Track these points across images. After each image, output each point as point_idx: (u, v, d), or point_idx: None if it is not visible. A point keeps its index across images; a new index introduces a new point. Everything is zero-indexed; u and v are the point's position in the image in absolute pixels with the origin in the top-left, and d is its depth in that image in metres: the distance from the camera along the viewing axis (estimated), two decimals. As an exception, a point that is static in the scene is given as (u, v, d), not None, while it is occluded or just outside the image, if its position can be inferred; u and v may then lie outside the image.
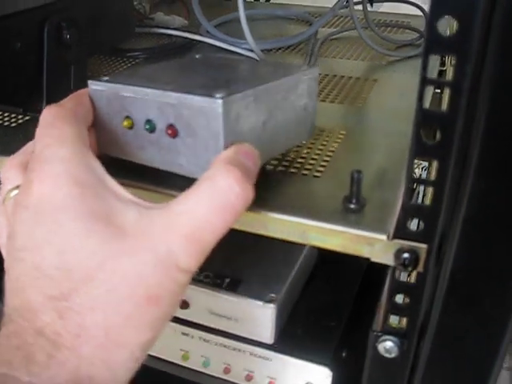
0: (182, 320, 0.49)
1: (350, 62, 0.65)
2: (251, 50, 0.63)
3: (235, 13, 0.77)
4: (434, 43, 0.29)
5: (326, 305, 0.49)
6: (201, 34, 0.69)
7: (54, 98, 0.50)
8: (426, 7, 0.77)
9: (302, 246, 0.48)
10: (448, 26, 0.30)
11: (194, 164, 0.35)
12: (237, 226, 0.37)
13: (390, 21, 0.80)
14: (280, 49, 0.69)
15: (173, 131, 0.35)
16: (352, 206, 0.36)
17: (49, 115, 0.33)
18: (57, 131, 0.32)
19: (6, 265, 0.30)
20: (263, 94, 0.36)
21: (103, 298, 0.27)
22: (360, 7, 0.62)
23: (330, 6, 0.69)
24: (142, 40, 0.72)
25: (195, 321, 0.48)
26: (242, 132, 0.35)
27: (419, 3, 0.76)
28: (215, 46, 0.67)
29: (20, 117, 0.51)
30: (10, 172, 0.35)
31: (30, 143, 0.37)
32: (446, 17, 0.29)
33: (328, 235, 0.35)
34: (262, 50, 0.65)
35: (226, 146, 0.33)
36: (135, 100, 0.36)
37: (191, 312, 0.47)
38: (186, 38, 0.68)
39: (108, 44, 0.61)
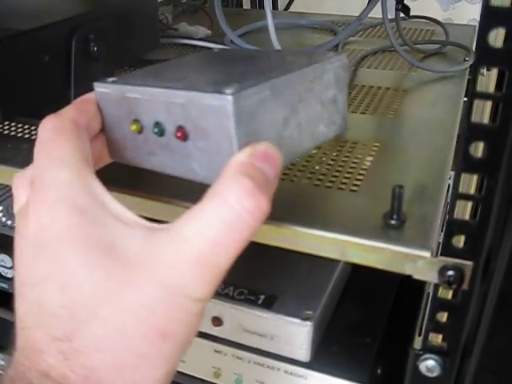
0: (215, 337, 0.48)
1: (377, 72, 0.64)
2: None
3: (258, 22, 0.77)
4: (484, 55, 0.28)
5: (360, 320, 0.48)
6: (225, 44, 0.68)
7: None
8: (451, 13, 0.75)
9: (337, 260, 0.47)
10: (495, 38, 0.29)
11: (208, 169, 0.32)
12: (275, 243, 0.37)
13: (414, 29, 0.80)
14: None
15: (182, 134, 0.32)
16: (393, 222, 0.35)
17: (47, 129, 0.31)
18: (55, 150, 0.29)
19: (15, 300, 0.29)
20: (282, 87, 0.32)
21: (111, 337, 0.25)
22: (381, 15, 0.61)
23: (352, 14, 0.68)
24: (166, 50, 0.71)
25: (228, 338, 0.47)
26: (260, 131, 0.31)
27: (440, 12, 0.76)
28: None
29: (47, 130, 0.50)
30: (19, 189, 0.32)
31: None
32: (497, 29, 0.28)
33: (369, 252, 0.35)
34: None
35: (241, 148, 0.30)
36: (142, 101, 0.33)
37: (224, 329, 0.46)
38: (211, 48, 0.68)
39: (134, 56, 0.60)
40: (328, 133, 0.37)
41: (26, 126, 0.51)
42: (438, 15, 0.98)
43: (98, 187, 0.29)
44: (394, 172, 0.42)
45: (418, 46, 0.68)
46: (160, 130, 0.33)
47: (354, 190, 0.39)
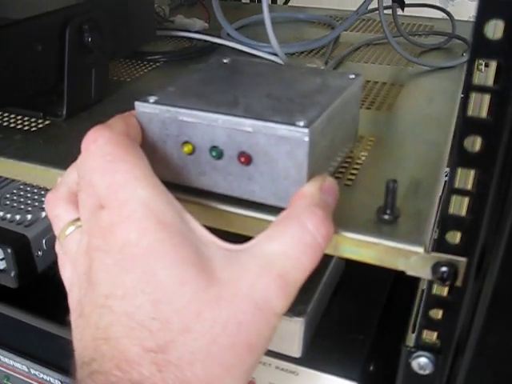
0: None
1: (375, 67, 0.63)
2: (274, 54, 0.62)
3: (255, 16, 0.77)
4: (480, 48, 0.28)
5: (353, 316, 0.48)
6: (222, 37, 0.68)
7: (75, 101, 0.50)
8: (451, 10, 0.75)
9: (330, 254, 0.46)
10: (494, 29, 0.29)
11: (269, 191, 0.34)
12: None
13: (413, 24, 0.79)
14: (303, 52, 0.68)
15: (246, 159, 0.34)
16: (386, 217, 0.35)
17: (103, 143, 0.30)
18: (123, 166, 0.29)
19: (82, 309, 0.29)
20: (333, 115, 0.35)
21: (203, 350, 0.26)
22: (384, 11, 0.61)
23: (352, 8, 0.68)
24: (162, 43, 0.71)
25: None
26: (319, 156, 0.34)
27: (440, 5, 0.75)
28: (237, 50, 0.66)
29: (40, 121, 0.50)
30: (58, 208, 0.34)
31: (68, 172, 0.36)
32: (494, 20, 0.27)
33: (362, 247, 0.34)
34: (285, 54, 0.64)
35: (309, 175, 0.33)
36: (199, 126, 0.34)
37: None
38: (207, 41, 0.67)
39: (130, 47, 0.59)
40: (349, 146, 0.41)
41: (19, 117, 0.51)
42: (438, 11, 0.98)
43: (177, 204, 0.30)
44: (388, 167, 0.41)
45: (417, 39, 0.67)
46: (218, 154, 0.34)
47: (348, 185, 0.39)
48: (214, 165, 0.35)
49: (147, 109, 0.36)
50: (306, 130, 0.32)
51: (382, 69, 0.62)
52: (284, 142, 0.32)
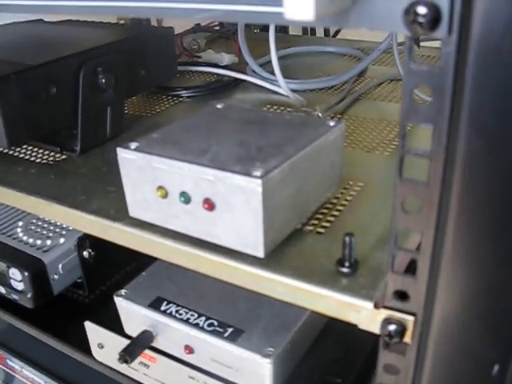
0: (189, 364, 0.49)
1: (391, 105, 0.63)
2: (293, 90, 0.63)
3: (283, 50, 0.79)
4: (410, 112, 0.28)
5: (333, 363, 0.47)
6: (247, 73, 0.69)
7: (89, 138, 0.53)
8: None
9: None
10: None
11: (232, 236, 0.36)
12: (233, 281, 0.38)
13: (433, 56, 0.79)
14: (322, 89, 0.68)
15: (209, 205, 0.36)
16: (344, 270, 0.35)
17: None
18: None
19: None
20: (297, 164, 0.37)
21: None
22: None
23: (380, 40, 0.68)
24: (190, 77, 0.74)
25: (199, 366, 0.48)
26: (280, 203, 0.36)
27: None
28: (259, 85, 0.68)
29: (57, 155, 0.53)
30: None
31: None
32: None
33: (316, 298, 0.35)
34: (305, 91, 0.65)
35: (266, 223, 0.34)
36: (169, 172, 0.37)
37: (195, 357, 0.47)
38: (231, 76, 0.69)
39: (148, 86, 0.62)
40: (327, 193, 0.42)
41: (41, 150, 0.55)
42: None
43: None
44: (366, 215, 0.41)
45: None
46: (186, 199, 0.37)
47: (321, 233, 0.39)
48: (185, 209, 0.37)
49: (127, 154, 0.39)
50: (259, 181, 0.33)
51: (397, 107, 0.62)
52: (240, 191, 0.34)
